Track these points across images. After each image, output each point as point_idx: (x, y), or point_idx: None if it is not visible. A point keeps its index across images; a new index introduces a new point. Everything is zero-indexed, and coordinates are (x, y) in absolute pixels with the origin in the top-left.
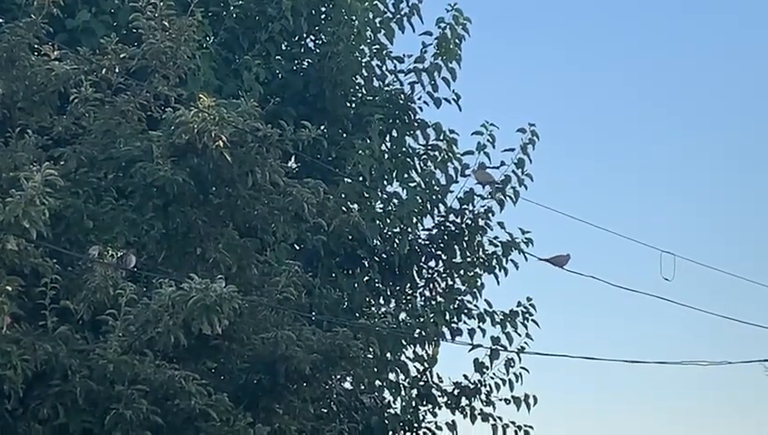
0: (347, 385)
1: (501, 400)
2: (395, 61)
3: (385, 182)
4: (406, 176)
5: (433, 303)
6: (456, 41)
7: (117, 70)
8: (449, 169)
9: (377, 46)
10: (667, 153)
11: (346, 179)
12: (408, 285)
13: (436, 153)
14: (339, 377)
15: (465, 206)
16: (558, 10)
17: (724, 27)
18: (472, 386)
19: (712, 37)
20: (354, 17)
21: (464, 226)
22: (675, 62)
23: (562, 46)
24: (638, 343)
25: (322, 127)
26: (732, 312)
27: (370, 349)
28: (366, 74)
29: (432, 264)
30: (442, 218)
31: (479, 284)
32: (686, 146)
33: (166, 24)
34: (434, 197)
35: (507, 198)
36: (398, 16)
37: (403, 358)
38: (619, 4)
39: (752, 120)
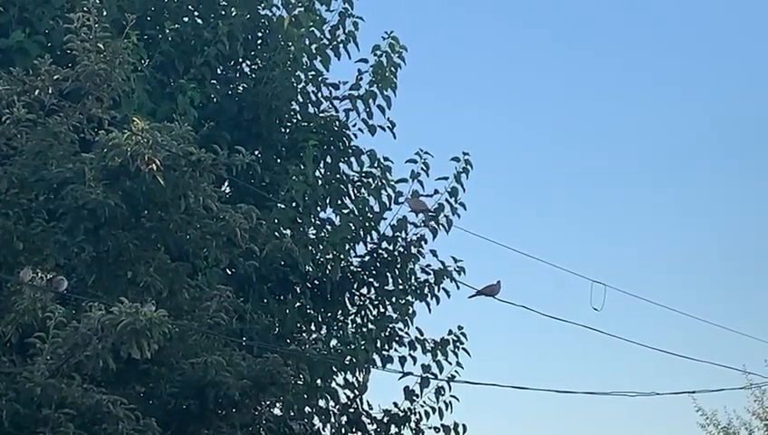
0: (276, 411)
1: (430, 428)
2: (330, 87)
3: (318, 208)
4: (339, 202)
5: (364, 330)
6: (392, 69)
7: (50, 91)
8: (383, 197)
9: (312, 72)
10: (599, 183)
11: (279, 205)
12: (340, 311)
13: (370, 180)
14: (268, 403)
15: (398, 233)
16: (493, 40)
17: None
18: (402, 414)
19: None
20: (290, 43)
21: (396, 253)
22: (611, 91)
23: (497, 75)
24: (568, 372)
25: (256, 152)
26: (661, 343)
27: (301, 375)
28: (301, 100)
29: (364, 291)
30: (375, 246)
31: (411, 311)
32: (619, 176)
33: (100, 46)
34: (367, 224)
35: (440, 226)
36: (335, 43)
37: (333, 385)
38: (554, 37)
39: (681, 148)
